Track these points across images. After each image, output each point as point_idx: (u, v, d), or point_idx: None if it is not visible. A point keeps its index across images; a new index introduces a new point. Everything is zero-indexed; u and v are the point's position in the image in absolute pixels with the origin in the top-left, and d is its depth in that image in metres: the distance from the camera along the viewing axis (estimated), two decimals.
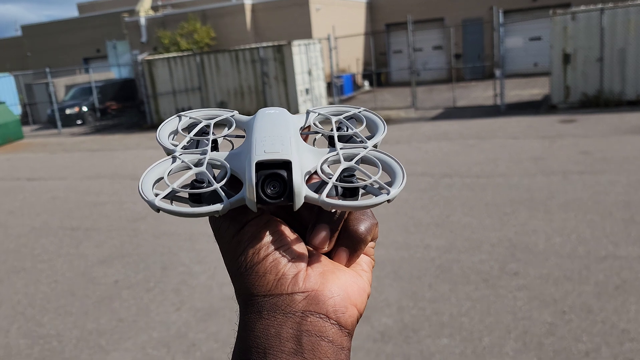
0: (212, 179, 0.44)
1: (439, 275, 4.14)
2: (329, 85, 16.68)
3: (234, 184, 0.45)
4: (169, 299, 4.24)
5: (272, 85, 14.81)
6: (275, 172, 0.41)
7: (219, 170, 0.47)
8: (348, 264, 0.46)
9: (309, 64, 15.14)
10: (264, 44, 15.35)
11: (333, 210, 0.44)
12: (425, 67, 21.38)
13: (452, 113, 13.32)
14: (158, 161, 0.47)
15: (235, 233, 0.44)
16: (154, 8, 23.78)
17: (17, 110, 20.78)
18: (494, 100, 13.74)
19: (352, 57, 21.75)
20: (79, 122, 19.16)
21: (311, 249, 0.45)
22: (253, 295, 0.42)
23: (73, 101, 19.70)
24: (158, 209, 0.42)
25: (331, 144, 0.50)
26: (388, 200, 0.42)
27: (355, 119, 0.54)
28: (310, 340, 0.40)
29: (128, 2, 28.62)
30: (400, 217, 5.49)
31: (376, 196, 0.43)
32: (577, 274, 3.98)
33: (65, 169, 11.02)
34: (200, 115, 0.55)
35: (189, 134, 0.51)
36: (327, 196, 0.42)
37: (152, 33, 21.36)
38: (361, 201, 0.43)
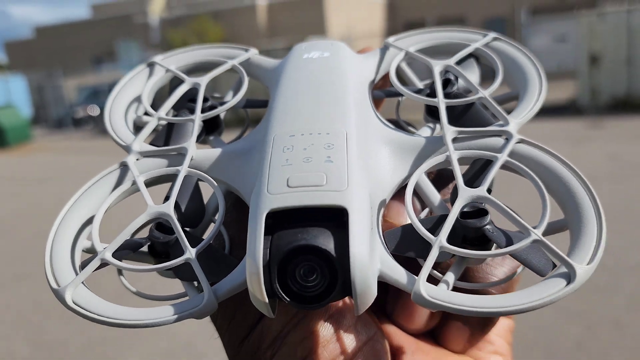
0: (183, 237, 0.23)
1: None
2: None
3: (242, 220, 0.24)
4: None
5: None
6: (310, 244, 0.20)
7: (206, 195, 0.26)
8: (468, 346, 0.26)
9: None
10: (278, 45, 15.28)
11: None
12: None
13: None
14: (91, 180, 0.27)
15: (248, 332, 0.24)
16: (166, 8, 23.91)
17: (28, 111, 20.94)
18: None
19: None
20: (89, 124, 19.28)
21: (395, 329, 0.25)
22: None
23: (84, 103, 19.90)
24: (73, 311, 0.25)
25: (431, 114, 0.28)
26: (568, 288, 0.20)
27: (476, 57, 0.30)
28: None
29: (140, 3, 28.79)
30: None
31: (539, 270, 0.21)
32: (605, 285, 3.82)
33: (75, 171, 11.02)
34: (188, 61, 0.31)
35: (168, 103, 0.29)
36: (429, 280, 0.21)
37: (163, 34, 21.45)
38: (511, 296, 0.20)
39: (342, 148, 0.22)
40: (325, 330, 0.23)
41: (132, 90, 0.31)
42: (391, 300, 0.26)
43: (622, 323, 3.35)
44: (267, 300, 0.21)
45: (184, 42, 20.26)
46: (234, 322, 0.25)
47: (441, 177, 0.25)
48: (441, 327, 0.26)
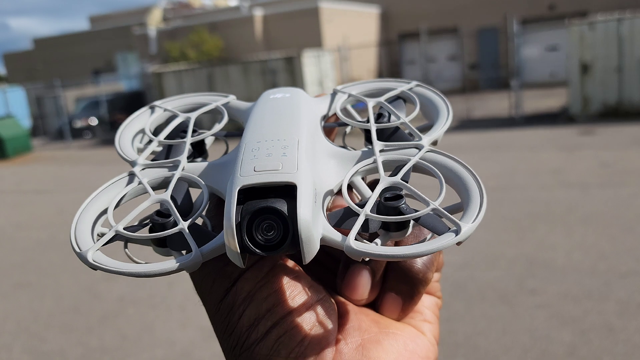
0: (177, 214, 0.30)
1: (453, 293, 4.01)
2: None
3: (221, 213, 0.30)
4: (174, 316, 4.15)
5: None
6: (268, 206, 0.27)
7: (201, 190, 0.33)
8: (402, 315, 0.32)
9: (320, 75, 15.13)
10: (274, 55, 15.36)
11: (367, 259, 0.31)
12: (440, 78, 21.32)
13: (467, 124, 13.23)
14: (108, 182, 0.35)
15: (225, 294, 0.30)
16: (164, 20, 23.98)
17: (27, 122, 20.97)
18: (510, 111, 13.63)
19: (364, 68, 21.72)
20: (88, 134, 19.30)
21: (343, 300, 0.32)
22: None
23: (82, 114, 19.93)
24: (94, 267, 0.30)
25: (368, 139, 0.35)
26: (458, 243, 0.28)
27: (403, 99, 0.38)
28: None
29: (138, 14, 28.88)
30: None
31: (437, 233, 0.28)
32: (598, 291, 3.84)
33: (73, 182, 11.04)
34: (181, 104, 0.40)
35: (162, 133, 0.36)
36: (357, 238, 0.28)
37: (161, 45, 21.51)
38: (413, 247, 0.27)
39: (294, 149, 0.30)
40: (284, 290, 0.29)
41: (137, 124, 0.39)
42: (339, 281, 0.32)
43: (614, 328, 3.36)
44: (239, 251, 0.27)
45: (182, 53, 20.33)
46: (214, 287, 0.31)
47: (375, 183, 0.31)
48: (380, 300, 0.32)
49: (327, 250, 0.33)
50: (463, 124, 13.35)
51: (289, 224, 0.27)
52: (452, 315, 3.69)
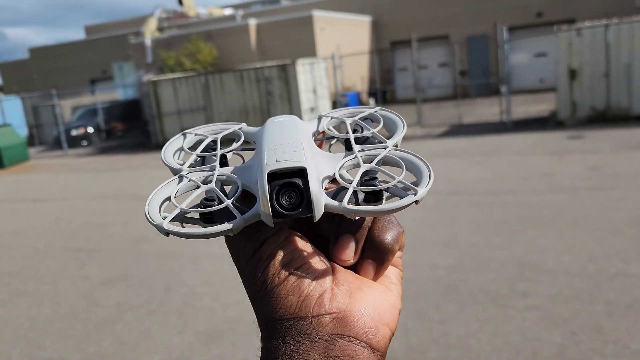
0: (223, 196, 0.41)
1: (446, 296, 4.07)
2: (334, 104, 16.71)
3: (248, 199, 0.42)
4: (171, 321, 4.18)
5: (277, 104, 14.86)
6: (290, 180, 0.39)
7: (230, 187, 0.44)
8: (375, 277, 0.43)
9: (313, 83, 15.20)
10: (269, 63, 15.42)
11: (357, 218, 0.41)
12: (431, 84, 21.43)
13: (458, 130, 13.30)
14: (164, 182, 0.45)
15: (253, 253, 0.41)
16: (160, 29, 24.01)
17: (23, 132, 20.95)
18: (501, 117, 13.73)
19: (357, 75, 21.83)
20: (84, 143, 19.32)
21: (335, 263, 0.42)
22: (275, 320, 0.39)
23: (79, 122, 19.90)
24: (167, 233, 0.40)
25: (348, 148, 0.47)
26: (416, 201, 0.39)
27: (371, 119, 0.52)
28: None
29: (134, 24, 28.92)
30: (406, 236, 5.40)
31: (402, 198, 0.40)
32: (587, 293, 3.90)
33: (70, 190, 11.04)
34: (206, 131, 0.52)
35: (195, 151, 0.48)
36: (349, 202, 0.39)
37: (157, 54, 21.54)
38: (386, 204, 0.40)
39: (301, 147, 0.42)
40: (296, 251, 0.41)
41: (174, 144, 0.51)
42: (331, 247, 0.43)
43: (603, 330, 3.42)
44: (270, 213, 0.38)
45: (178, 61, 20.38)
46: (245, 249, 0.42)
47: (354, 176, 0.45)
48: (359, 265, 0.43)
49: (319, 233, 0.45)
50: (454, 130, 13.43)
51: (304, 193, 0.38)
52: (445, 318, 3.74)
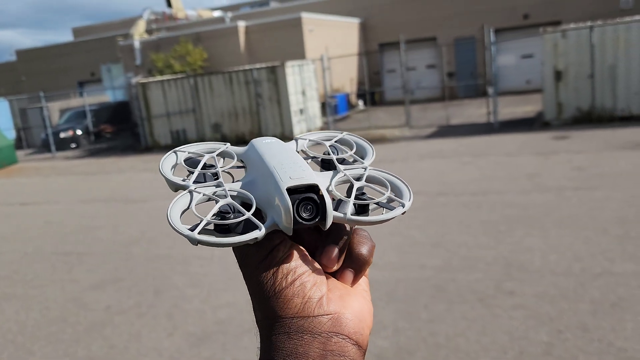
0: (242, 208, 0.46)
1: (435, 295, 4.10)
2: (323, 105, 16.72)
3: (249, 210, 0.47)
4: (161, 324, 4.18)
5: (266, 106, 14.86)
6: (309, 195, 0.45)
7: (235, 200, 0.48)
8: (352, 283, 0.50)
9: (302, 85, 15.22)
10: (258, 66, 15.42)
11: (348, 229, 0.49)
12: (419, 86, 21.51)
13: (446, 131, 13.36)
14: (177, 196, 0.49)
15: (263, 258, 0.47)
16: (149, 31, 23.91)
17: (11, 134, 20.77)
18: (488, 118, 13.80)
19: (346, 77, 21.86)
20: (73, 145, 19.17)
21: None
22: (281, 317, 0.45)
23: (67, 125, 19.72)
24: (197, 242, 0.44)
25: (325, 167, 0.54)
26: (403, 213, 0.48)
27: (341, 143, 0.58)
28: (335, 359, 0.44)
29: (123, 26, 28.79)
30: (395, 237, 5.46)
31: (390, 210, 0.48)
32: (573, 291, 3.95)
33: (59, 193, 10.97)
34: (195, 149, 0.56)
35: (189, 168, 0.53)
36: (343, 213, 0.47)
37: (146, 56, 21.45)
38: (383, 215, 0.48)
39: (307, 167, 0.48)
40: (300, 259, 0.47)
41: (168, 161, 0.54)
42: (318, 255, 0.48)
43: (589, 328, 3.46)
44: (292, 224, 0.44)
45: (167, 64, 20.31)
46: (257, 254, 0.47)
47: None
48: (339, 273, 0.49)
49: (300, 242, 0.51)
50: (442, 131, 13.50)
51: (319, 206, 0.45)
52: (433, 317, 3.77)
